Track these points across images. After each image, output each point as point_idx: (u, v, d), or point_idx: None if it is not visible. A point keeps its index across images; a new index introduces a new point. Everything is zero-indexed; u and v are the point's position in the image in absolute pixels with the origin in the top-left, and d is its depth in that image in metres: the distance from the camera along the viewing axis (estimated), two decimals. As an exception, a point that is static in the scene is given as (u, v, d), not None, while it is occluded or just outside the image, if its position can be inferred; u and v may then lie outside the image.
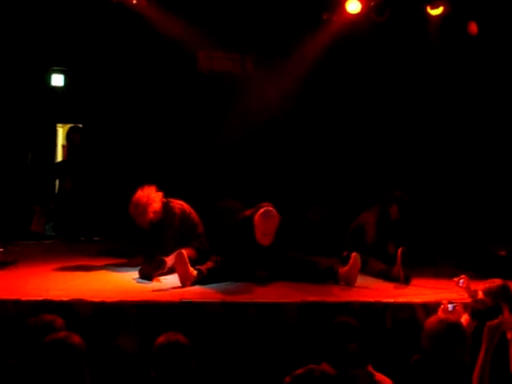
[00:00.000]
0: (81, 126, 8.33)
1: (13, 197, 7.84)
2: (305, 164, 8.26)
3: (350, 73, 8.21)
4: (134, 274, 5.36)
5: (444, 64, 7.99)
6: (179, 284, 4.98)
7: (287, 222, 5.44)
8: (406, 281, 5.29)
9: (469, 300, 4.38)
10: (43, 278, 5.19)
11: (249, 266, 5.30)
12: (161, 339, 3.11)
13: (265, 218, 5.22)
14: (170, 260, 5.30)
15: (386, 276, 5.45)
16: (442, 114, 8.08)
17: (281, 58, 8.19)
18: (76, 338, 2.98)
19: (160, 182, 5.81)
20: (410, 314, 4.50)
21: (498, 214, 7.40)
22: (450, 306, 4.08)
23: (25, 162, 8.32)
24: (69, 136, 8.15)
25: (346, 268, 5.26)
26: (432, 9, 7.57)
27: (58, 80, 8.55)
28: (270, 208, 5.31)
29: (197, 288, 4.95)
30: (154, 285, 5.07)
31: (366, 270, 5.50)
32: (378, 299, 4.65)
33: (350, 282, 5.19)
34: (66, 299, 4.32)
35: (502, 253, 6.01)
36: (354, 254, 5.26)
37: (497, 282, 4.14)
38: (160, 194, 5.68)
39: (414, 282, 5.32)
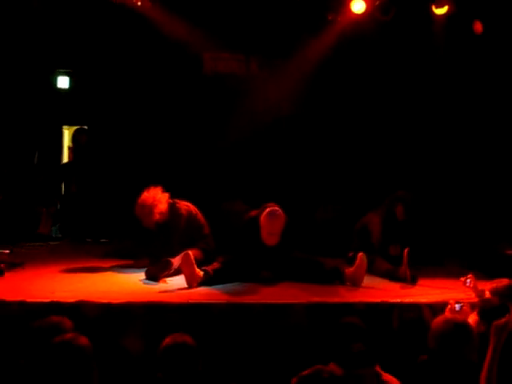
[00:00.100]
0: (86, 127, 8.35)
1: (19, 199, 7.86)
2: (311, 164, 8.25)
3: (356, 73, 8.20)
4: (141, 275, 5.36)
5: (449, 63, 7.97)
6: (185, 285, 4.98)
7: (293, 222, 5.44)
8: (413, 281, 5.28)
9: (476, 300, 4.37)
10: (50, 279, 5.20)
11: (255, 266, 5.30)
12: (167, 340, 3.12)
13: (271, 218, 5.22)
14: (176, 261, 5.30)
15: (393, 276, 5.44)
16: (448, 112, 8.06)
17: (286, 58, 8.18)
18: (83, 340, 2.98)
19: (166, 183, 5.82)
20: (417, 314, 4.49)
21: (505, 214, 7.37)
22: (457, 306, 4.07)
23: (31, 164, 8.35)
24: (75, 138, 8.16)
25: (352, 268, 5.25)
26: (437, 8, 7.54)
27: (63, 82, 8.60)
28: (276, 208, 5.31)
29: (203, 289, 4.95)
30: (160, 286, 5.07)
31: (372, 271, 5.49)
32: (384, 299, 4.64)
33: (356, 283, 5.18)
34: (72, 301, 4.33)
35: (510, 252, 5.99)
36: (360, 254, 5.25)
37: (504, 281, 4.12)
38: (166, 195, 5.69)
39: (421, 282, 5.31)
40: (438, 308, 4.36)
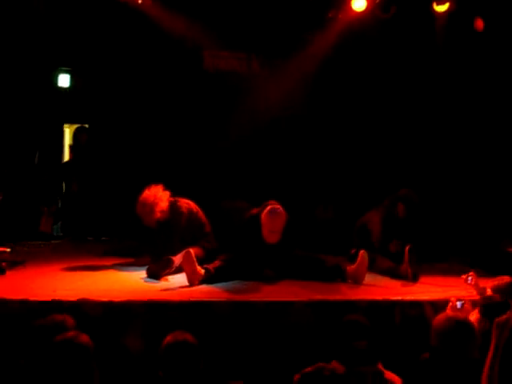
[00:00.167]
0: (87, 126, 8.35)
1: (21, 197, 7.86)
2: (312, 162, 8.25)
3: (357, 71, 8.19)
4: (142, 273, 5.36)
5: (450, 60, 7.96)
6: (187, 283, 4.98)
7: (294, 220, 5.44)
8: (414, 278, 5.28)
9: (477, 297, 4.36)
10: (51, 277, 5.21)
11: (256, 264, 5.30)
12: (169, 338, 3.11)
13: (272, 216, 5.22)
14: (177, 259, 5.31)
15: (394, 274, 5.44)
16: (450, 110, 8.05)
17: (287, 57, 8.17)
18: (84, 338, 2.98)
19: (167, 181, 5.81)
20: (419, 311, 4.49)
21: (507, 211, 7.36)
22: (458, 304, 4.07)
23: (32, 163, 8.35)
24: (75, 136, 8.17)
25: (353, 266, 5.25)
26: (438, 5, 7.55)
27: (64, 80, 8.59)
28: (277, 206, 5.31)
29: (204, 287, 4.95)
30: (161, 284, 5.07)
31: (373, 268, 5.50)
32: (386, 297, 4.64)
33: (357, 280, 5.18)
34: (73, 299, 4.32)
35: (511, 250, 5.98)
36: (361, 252, 5.25)
37: (505, 279, 4.12)
38: (167, 194, 5.68)
39: (423, 279, 5.31)
40: (439, 305, 4.37)
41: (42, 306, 4.22)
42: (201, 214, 5.92)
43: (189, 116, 8.23)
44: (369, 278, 5.25)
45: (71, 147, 8.32)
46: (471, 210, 7.60)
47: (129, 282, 5.13)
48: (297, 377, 3.02)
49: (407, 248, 5.34)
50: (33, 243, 7.06)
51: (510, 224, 6.99)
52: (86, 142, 8.07)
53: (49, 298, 4.33)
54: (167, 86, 8.22)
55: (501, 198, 7.62)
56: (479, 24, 7.52)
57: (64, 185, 8.10)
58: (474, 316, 3.86)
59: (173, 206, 5.70)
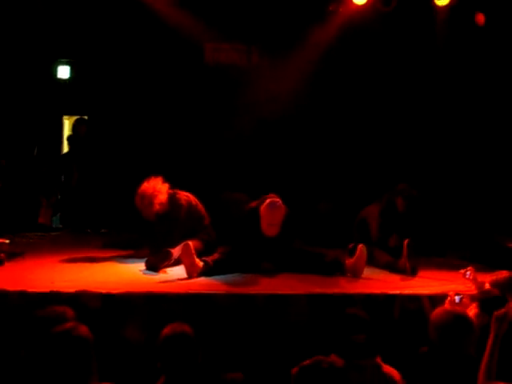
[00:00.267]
0: (86, 117, 8.34)
1: (20, 189, 7.86)
2: (313, 156, 8.24)
3: (357, 64, 8.18)
4: (141, 265, 5.36)
5: (451, 55, 7.95)
6: (185, 275, 4.99)
7: (294, 213, 5.44)
8: (413, 272, 5.28)
9: (476, 292, 4.37)
10: (50, 269, 5.21)
11: (255, 257, 5.30)
12: (166, 330, 3.11)
13: (271, 209, 5.22)
14: (176, 251, 5.31)
15: (393, 268, 5.44)
16: (450, 104, 8.04)
17: (287, 49, 8.15)
18: (83, 329, 2.98)
19: (166, 173, 5.81)
20: (417, 305, 4.49)
21: (505, 206, 7.37)
22: (456, 298, 4.07)
23: (31, 154, 8.34)
24: (74, 128, 8.16)
25: (352, 260, 5.26)
26: (439, -1, 7.53)
27: (64, 72, 8.58)
28: (276, 199, 5.31)
29: (203, 279, 4.96)
30: (160, 276, 5.07)
31: (372, 262, 5.50)
32: (384, 291, 4.64)
33: (356, 274, 5.18)
34: (72, 291, 4.33)
35: (510, 244, 5.99)
36: (360, 245, 5.25)
37: (504, 273, 4.12)
38: (166, 186, 5.68)
39: (421, 273, 5.31)
40: (437, 300, 4.36)
41: (41, 297, 4.22)
42: (200, 206, 5.92)
43: (189, 109, 8.22)
44: (367, 272, 5.25)
45: (69, 139, 8.31)
46: (469, 205, 7.60)
47: (127, 274, 5.13)
48: (295, 370, 3.02)
49: (406, 242, 5.34)
50: (32, 235, 7.06)
51: (509, 218, 7.00)
52: (85, 133, 8.06)
53: (47, 290, 4.34)
54: (167, 78, 8.20)
55: (499, 192, 7.63)
56: (480, 18, 7.50)
57: (63, 176, 8.09)
58: (472, 310, 3.86)
59: (172, 199, 5.70)
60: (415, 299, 4.53)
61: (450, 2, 7.49)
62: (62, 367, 2.86)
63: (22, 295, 4.29)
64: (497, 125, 7.83)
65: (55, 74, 8.54)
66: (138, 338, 4.15)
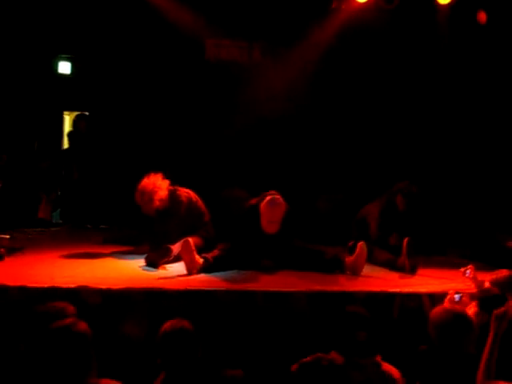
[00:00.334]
0: (87, 113, 8.34)
1: (20, 184, 7.85)
2: (313, 153, 8.24)
3: (359, 61, 8.17)
4: (140, 261, 5.36)
5: (453, 53, 7.94)
6: (185, 272, 4.99)
7: (294, 210, 5.43)
8: (412, 271, 5.28)
9: (475, 290, 4.36)
10: (50, 264, 5.20)
11: (255, 254, 5.30)
12: (166, 326, 3.12)
13: (271, 206, 5.22)
14: (176, 248, 5.31)
15: (392, 266, 5.44)
16: (452, 102, 8.03)
17: (289, 46, 8.14)
18: (82, 325, 2.98)
19: (167, 170, 5.80)
20: (417, 303, 4.49)
21: (507, 205, 7.36)
22: (456, 297, 4.08)
23: (31, 150, 8.33)
24: (75, 124, 8.15)
25: (352, 257, 5.25)
26: (441, -3, 7.52)
27: (65, 67, 8.56)
28: (277, 196, 5.30)
29: (203, 276, 4.96)
30: (159, 272, 5.07)
31: (371, 260, 5.49)
32: (384, 289, 4.64)
33: (356, 272, 5.18)
34: (72, 286, 4.33)
35: (510, 244, 5.98)
36: (360, 243, 5.24)
37: (504, 272, 4.13)
38: (166, 182, 5.67)
39: (421, 271, 5.31)
40: (437, 298, 4.37)
41: (41, 292, 4.22)
42: (200, 203, 5.91)
43: (189, 105, 8.21)
44: (367, 270, 5.24)
45: (69, 135, 8.31)
46: (470, 203, 7.60)
47: (127, 270, 5.12)
48: (295, 366, 3.03)
49: (405, 240, 5.34)
50: (32, 230, 7.06)
51: (510, 217, 7.00)
52: (85, 129, 8.06)
53: (47, 285, 4.33)
54: (168, 74, 8.19)
55: (500, 191, 7.62)
56: (482, 17, 7.49)
57: (63, 172, 8.09)
58: (471, 309, 3.86)
59: (172, 195, 5.69)
60: (415, 297, 4.53)
61: (451, 1, 7.48)
62: (61, 362, 2.87)
63: (22, 290, 4.28)
64: (499, 123, 7.82)
65: (56, 70, 8.53)
66: (138, 334, 4.15)
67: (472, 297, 4.07)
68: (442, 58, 7.98)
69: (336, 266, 5.29)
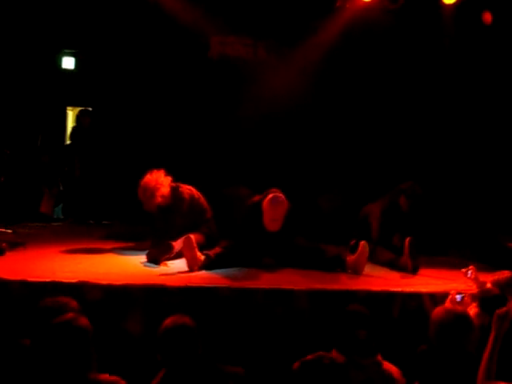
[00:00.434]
0: (91, 109, 8.34)
1: (22, 179, 7.86)
2: (316, 151, 8.23)
3: (364, 60, 8.16)
4: (142, 257, 5.36)
5: (457, 53, 7.92)
6: (186, 268, 4.99)
7: (296, 208, 5.42)
8: (414, 271, 5.27)
9: (477, 291, 4.36)
10: (51, 259, 5.21)
11: (256, 252, 5.29)
12: (167, 322, 3.12)
13: (273, 204, 5.21)
14: (177, 244, 5.31)
15: (394, 265, 5.43)
16: (455, 103, 8.02)
17: (293, 44, 8.14)
18: (83, 320, 2.98)
19: (169, 166, 5.80)
20: (418, 303, 4.48)
21: (507, 206, 7.35)
22: (458, 297, 4.07)
23: (35, 145, 8.34)
24: (78, 119, 8.16)
25: (353, 256, 5.24)
26: (447, -3, 7.50)
27: (68, 63, 8.58)
28: (279, 194, 5.29)
29: (204, 273, 4.95)
30: (161, 269, 5.07)
31: (373, 259, 5.48)
32: (385, 288, 4.63)
33: (357, 271, 5.17)
34: (73, 281, 4.33)
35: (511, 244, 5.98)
36: (362, 242, 5.23)
37: (505, 273, 4.12)
38: (169, 179, 5.67)
39: (422, 272, 5.30)
40: (438, 298, 4.37)
41: (42, 287, 4.22)
42: (202, 200, 5.91)
43: (193, 102, 8.20)
44: (369, 269, 5.23)
45: (72, 132, 8.32)
46: (471, 204, 7.59)
47: (128, 266, 5.13)
48: (296, 364, 3.02)
49: (407, 240, 5.33)
50: (34, 225, 7.07)
51: (510, 218, 6.99)
52: (89, 124, 8.06)
53: (48, 280, 4.33)
54: (172, 70, 8.19)
55: (501, 192, 7.61)
56: (487, 17, 7.47)
57: (66, 168, 8.10)
58: (472, 310, 3.86)
59: (174, 192, 5.69)
60: (416, 297, 4.52)
61: (457, 1, 7.47)
62: (61, 357, 2.87)
63: (23, 285, 4.29)
64: (502, 124, 7.80)
65: (60, 65, 8.54)
66: (138, 330, 4.15)
67: (473, 297, 4.06)
68: (446, 58, 7.97)
69: (337, 265, 5.28)
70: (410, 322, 4.39)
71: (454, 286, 4.62)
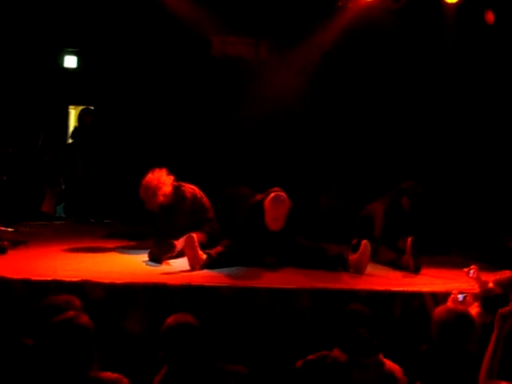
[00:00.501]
0: (92, 108, 8.34)
1: (24, 178, 7.87)
2: (317, 151, 8.23)
3: (365, 60, 8.15)
4: (144, 256, 5.36)
5: (460, 53, 7.91)
6: (188, 267, 4.98)
7: (298, 207, 5.42)
8: (416, 270, 5.27)
9: (479, 291, 4.35)
10: (53, 258, 5.21)
11: (258, 251, 5.29)
12: (170, 320, 3.12)
13: (275, 203, 5.21)
14: (179, 243, 5.30)
15: (396, 265, 5.43)
16: (457, 102, 8.01)
17: (295, 44, 8.13)
18: (84, 318, 2.99)
19: (171, 165, 5.80)
20: (420, 303, 4.48)
21: (510, 206, 7.34)
22: (460, 297, 4.07)
23: (36, 144, 8.34)
24: (80, 118, 8.16)
25: (355, 255, 5.24)
26: (449, -4, 7.49)
27: (71, 61, 8.57)
28: (281, 193, 5.29)
29: (206, 272, 4.95)
30: (163, 268, 5.07)
31: (375, 259, 5.48)
32: (387, 287, 4.62)
33: (359, 270, 5.17)
34: (75, 280, 4.33)
35: (513, 244, 5.98)
36: (364, 241, 5.23)
37: (507, 273, 4.12)
38: (171, 178, 5.67)
39: (424, 271, 5.29)
40: (440, 298, 4.36)
41: (44, 285, 4.22)
42: (205, 199, 5.90)
43: (195, 101, 8.20)
44: (370, 268, 5.23)
45: (73, 131, 8.32)
46: (474, 203, 7.57)
47: (130, 265, 5.13)
48: (299, 363, 3.03)
49: (409, 239, 5.32)
50: (35, 223, 7.07)
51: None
52: (91, 123, 8.07)
53: (50, 278, 4.33)
54: (173, 69, 8.19)
55: (504, 191, 7.60)
56: (490, 17, 7.46)
57: (68, 166, 8.10)
58: (474, 309, 3.86)
59: (177, 191, 5.69)
60: (418, 297, 4.51)
61: (459, 0, 7.45)
62: (62, 355, 2.87)
63: (25, 283, 4.29)
64: (505, 124, 7.79)
65: (62, 64, 8.54)
66: (140, 329, 4.15)
67: (475, 297, 4.06)
68: (448, 58, 7.96)
69: (339, 264, 5.28)
70: (411, 321, 4.38)
71: (456, 285, 4.62)
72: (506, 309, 3.20)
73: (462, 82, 7.97)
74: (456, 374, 3.23)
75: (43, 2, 7.87)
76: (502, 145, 7.81)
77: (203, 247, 5.18)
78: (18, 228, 6.52)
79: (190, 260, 5.00)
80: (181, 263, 5.17)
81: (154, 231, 5.81)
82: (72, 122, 9.11)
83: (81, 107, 8.43)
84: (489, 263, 5.30)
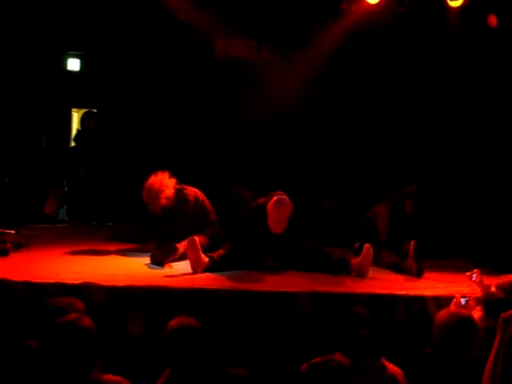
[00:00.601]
0: (95, 110, 8.35)
1: (27, 180, 7.88)
2: (320, 154, 8.23)
3: (369, 63, 8.15)
4: (146, 259, 5.36)
5: (463, 56, 7.91)
6: (190, 270, 4.98)
7: (300, 211, 5.42)
8: (419, 274, 5.26)
9: (481, 295, 4.34)
10: (55, 261, 5.21)
11: (260, 254, 5.29)
12: (173, 322, 3.12)
13: (278, 206, 5.20)
14: (181, 246, 5.30)
15: (399, 268, 5.42)
16: (461, 105, 8.01)
17: (298, 47, 8.15)
18: (86, 321, 2.98)
19: (174, 168, 5.81)
20: (422, 306, 4.47)
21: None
22: (462, 301, 4.06)
23: (39, 146, 8.36)
24: (83, 121, 8.17)
25: (358, 259, 5.23)
26: (452, 0, 7.49)
27: (74, 64, 8.60)
28: (284, 196, 5.29)
29: (208, 275, 4.94)
30: (165, 270, 5.07)
31: (377, 262, 5.47)
32: (389, 291, 4.62)
33: (362, 274, 5.16)
34: (77, 282, 4.33)
35: (515, 248, 5.96)
36: (366, 245, 5.22)
37: (510, 277, 4.11)
38: (173, 181, 5.67)
39: (427, 275, 5.28)
40: (443, 301, 4.35)
41: (46, 288, 4.23)
42: (207, 202, 5.90)
43: (197, 103, 8.21)
44: (373, 272, 5.22)
45: (76, 134, 8.33)
46: (477, 207, 7.57)
47: (132, 268, 5.13)
48: (304, 366, 3.02)
49: (412, 243, 5.32)
50: (38, 226, 7.07)
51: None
52: (93, 126, 8.08)
53: (52, 281, 4.33)
54: (176, 72, 8.20)
55: (507, 196, 7.58)
56: (493, 20, 7.46)
57: (71, 169, 8.11)
58: (477, 313, 3.85)
59: (179, 194, 5.69)
60: (420, 300, 4.51)
61: (462, 3, 7.46)
62: (64, 357, 2.87)
63: (27, 286, 4.29)
64: (507, 126, 7.78)
65: (65, 67, 8.56)
66: (142, 332, 4.15)
67: (478, 301, 4.05)
68: (452, 62, 7.95)
69: (342, 268, 5.28)
70: (414, 325, 4.38)
71: (459, 289, 4.62)
72: (509, 313, 3.19)
73: (466, 85, 7.97)
74: (458, 378, 3.23)
75: (46, 5, 7.88)
76: (505, 149, 7.80)
77: (205, 250, 5.18)
78: (21, 230, 6.51)
79: (192, 263, 5.00)
80: (183, 266, 5.16)
81: (156, 234, 5.82)
82: (75, 125, 9.14)
83: (84, 110, 8.45)
84: (491, 267, 5.28)
